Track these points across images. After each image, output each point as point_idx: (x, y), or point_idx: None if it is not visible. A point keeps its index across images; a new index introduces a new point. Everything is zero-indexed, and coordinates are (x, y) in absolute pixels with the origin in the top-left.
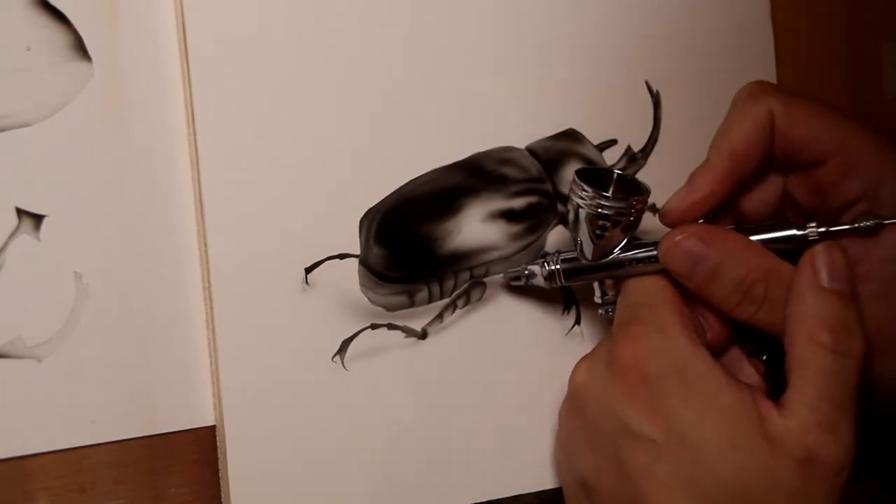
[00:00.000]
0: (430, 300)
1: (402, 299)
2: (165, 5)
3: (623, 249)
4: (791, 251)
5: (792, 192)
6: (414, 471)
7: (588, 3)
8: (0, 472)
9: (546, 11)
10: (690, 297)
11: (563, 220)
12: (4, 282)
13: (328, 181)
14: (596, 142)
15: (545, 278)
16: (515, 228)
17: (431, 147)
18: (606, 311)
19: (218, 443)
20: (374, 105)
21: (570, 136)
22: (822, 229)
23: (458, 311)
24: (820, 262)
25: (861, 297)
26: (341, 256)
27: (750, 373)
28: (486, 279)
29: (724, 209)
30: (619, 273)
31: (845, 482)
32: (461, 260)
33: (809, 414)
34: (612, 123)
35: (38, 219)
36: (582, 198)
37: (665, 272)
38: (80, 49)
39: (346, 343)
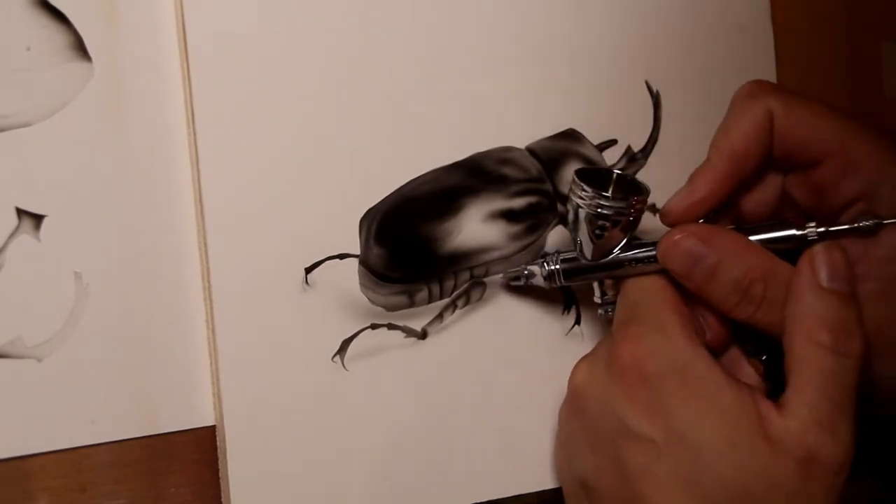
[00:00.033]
0: (430, 300)
1: (402, 299)
2: (165, 5)
3: (622, 249)
4: (790, 251)
5: (791, 192)
6: (414, 471)
7: (588, 3)
8: (0, 472)
9: (546, 11)
10: (690, 296)
11: (563, 220)
12: (4, 282)
13: (328, 181)
14: (596, 142)
15: (545, 278)
16: (515, 228)
17: (431, 147)
18: (606, 311)
19: (218, 443)
20: (374, 105)
21: (570, 136)
22: (822, 229)
23: (458, 311)
24: (819, 261)
25: (860, 297)
26: (341, 256)
27: (749, 373)
28: (486, 279)
29: (724, 209)
30: (618, 273)
31: (845, 482)
32: (461, 260)
33: (809, 414)
34: (612, 123)
35: (38, 219)
36: (581, 198)
37: (664, 272)
38: (80, 49)
39: (346, 343)
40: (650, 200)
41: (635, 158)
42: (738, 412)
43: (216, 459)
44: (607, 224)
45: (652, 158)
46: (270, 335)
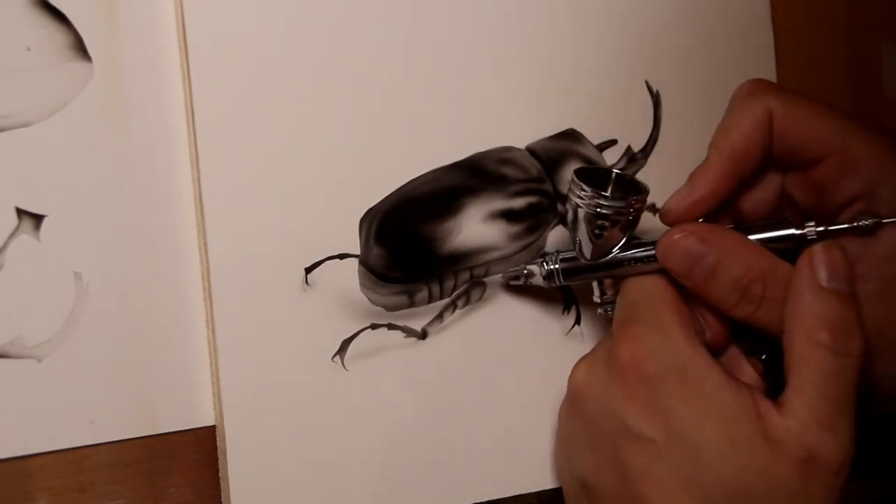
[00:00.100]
0: (430, 300)
1: (402, 299)
2: (165, 5)
3: (622, 249)
4: (790, 250)
5: (790, 192)
6: (414, 471)
7: (588, 3)
8: (0, 472)
9: (546, 12)
10: (689, 296)
11: (563, 220)
12: (4, 282)
13: (328, 181)
14: (596, 142)
15: (544, 278)
16: (515, 228)
17: (431, 147)
18: (606, 311)
19: (218, 443)
20: (374, 105)
21: (570, 136)
22: (821, 228)
23: (458, 311)
24: (818, 261)
25: (860, 296)
26: (341, 256)
27: (749, 372)
28: (486, 279)
29: (723, 208)
30: (618, 272)
31: (845, 482)
32: (461, 260)
33: (809, 413)
34: (612, 123)
35: (38, 219)
36: (581, 197)
37: (664, 271)
38: (80, 49)
39: (346, 343)
40: (650, 200)
41: (635, 158)
42: (737, 412)
43: (216, 459)
44: (606, 223)
45: (652, 158)
46: (270, 335)
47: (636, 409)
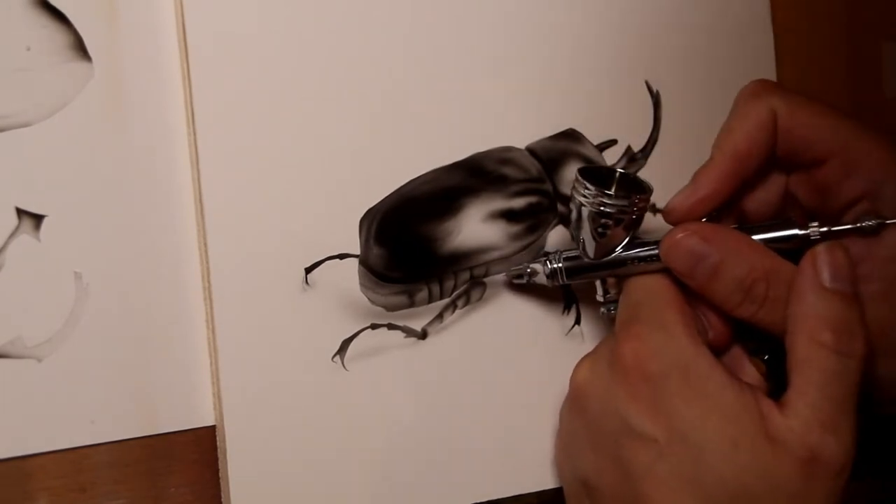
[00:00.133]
0: (430, 300)
1: (402, 299)
2: (165, 5)
3: (625, 248)
4: (793, 251)
5: (794, 192)
6: (414, 471)
7: (588, 3)
8: (0, 472)
9: (546, 12)
10: (692, 295)
11: (563, 220)
12: (4, 282)
13: (328, 181)
14: (596, 142)
15: (548, 276)
16: (515, 228)
17: (431, 147)
18: (608, 310)
19: (218, 443)
20: (374, 105)
21: (570, 136)
22: (825, 229)
23: (458, 311)
24: (822, 261)
25: (863, 297)
26: (341, 256)
27: (751, 372)
28: (486, 279)
29: (727, 208)
30: (621, 271)
31: (846, 482)
32: (461, 260)
33: (811, 414)
34: (612, 123)
35: (38, 219)
36: (585, 196)
37: (667, 271)
38: (80, 49)
39: (346, 343)
40: (651, 200)
41: (635, 158)
42: (740, 412)
43: (216, 459)
44: (610, 222)
45: (652, 158)
46: (270, 335)
47: (639, 409)
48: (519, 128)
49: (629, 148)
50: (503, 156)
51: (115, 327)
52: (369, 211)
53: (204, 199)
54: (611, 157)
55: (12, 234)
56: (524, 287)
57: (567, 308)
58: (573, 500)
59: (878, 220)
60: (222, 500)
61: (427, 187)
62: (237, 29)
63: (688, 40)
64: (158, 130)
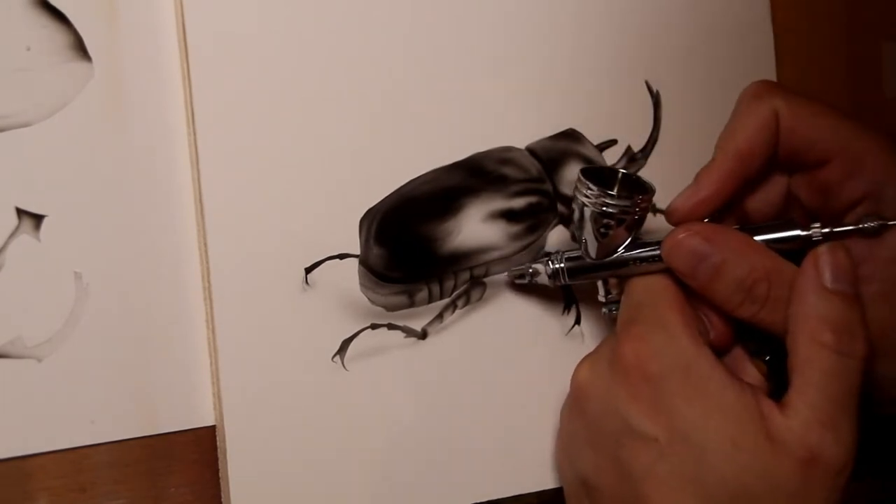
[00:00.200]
0: (430, 300)
1: (402, 299)
2: (165, 5)
3: (627, 248)
4: (795, 251)
5: (796, 193)
6: (414, 471)
7: (588, 3)
8: (0, 472)
9: (546, 11)
10: (694, 296)
11: (563, 220)
12: (4, 282)
13: (328, 181)
14: (596, 142)
15: (549, 276)
16: (515, 228)
17: (431, 147)
18: (610, 310)
19: (218, 443)
20: (374, 105)
21: (570, 136)
22: (826, 230)
23: (458, 311)
24: (823, 262)
25: (864, 298)
26: (341, 256)
27: (752, 372)
28: (486, 279)
29: (729, 209)
30: (622, 272)
31: (847, 482)
32: (461, 260)
33: (811, 414)
34: (612, 123)
35: (38, 219)
36: (587, 196)
37: (669, 271)
38: (80, 49)
39: (346, 343)
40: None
41: (635, 158)
42: (740, 412)
43: (216, 459)
44: (612, 223)
45: (652, 158)
46: (270, 335)
47: (639, 409)
48: (519, 128)
49: (629, 148)
50: (503, 156)
51: (115, 327)
52: (369, 211)
53: (204, 199)
54: (611, 157)
55: (12, 234)
56: (525, 287)
57: (567, 308)
58: (573, 500)
59: (880, 221)
60: (222, 500)
61: (427, 187)
62: (237, 29)
63: (688, 40)
64: (158, 130)
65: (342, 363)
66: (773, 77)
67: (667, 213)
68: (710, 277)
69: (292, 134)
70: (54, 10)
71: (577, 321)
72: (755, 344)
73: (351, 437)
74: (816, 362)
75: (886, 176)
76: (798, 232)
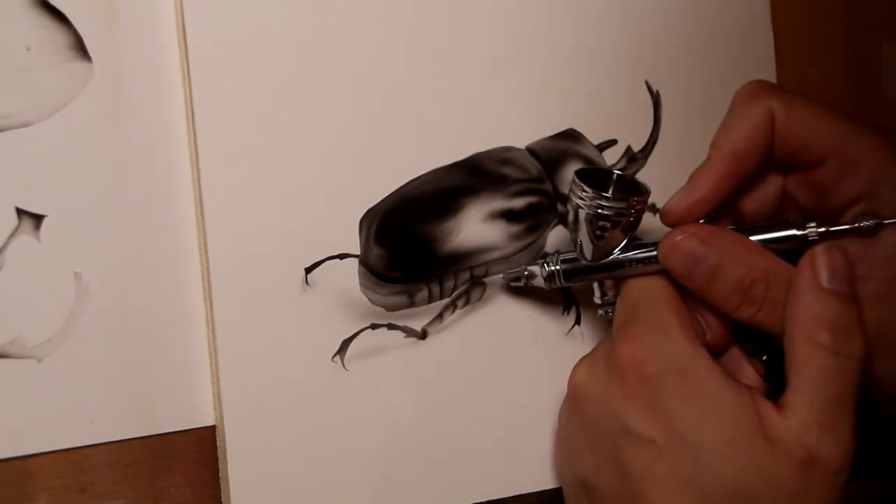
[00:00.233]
0: (430, 300)
1: (402, 299)
2: (165, 5)
3: (623, 250)
4: (791, 251)
5: (792, 192)
6: (414, 471)
7: (588, 3)
8: (0, 472)
9: (546, 11)
10: (690, 297)
11: (563, 220)
12: (4, 282)
13: (328, 181)
14: (596, 142)
15: (545, 279)
16: (515, 228)
17: (431, 147)
18: (606, 312)
19: (218, 443)
20: (374, 105)
21: (570, 136)
22: (822, 229)
23: (458, 311)
24: (820, 262)
25: (861, 297)
26: (341, 256)
27: (749, 373)
28: (486, 279)
29: (724, 209)
30: (618, 273)
31: (845, 482)
32: (461, 260)
33: (809, 414)
34: (612, 123)
35: (38, 219)
36: (582, 198)
37: (665, 272)
38: (80, 49)
39: (346, 343)
40: (650, 200)
41: (635, 158)
42: (738, 413)
43: (216, 459)
44: (607, 224)
45: (652, 158)
46: (270, 335)
47: (636, 410)
48: (519, 128)
49: (629, 148)
50: (503, 156)
51: (115, 327)
52: (369, 211)
53: (204, 199)
54: (611, 157)
55: (12, 234)
56: (522, 289)
57: (567, 308)
58: (572, 501)
59: (876, 221)
60: (222, 500)
61: (427, 187)
62: (237, 29)
63: (688, 40)
64: (158, 130)
65: (342, 363)
66: (773, 77)
67: (662, 214)
68: (707, 279)
69: (292, 134)
70: (54, 10)
71: (577, 321)
72: (752, 344)
73: (351, 437)
74: (814, 363)
75: (882, 175)
76: (794, 232)
